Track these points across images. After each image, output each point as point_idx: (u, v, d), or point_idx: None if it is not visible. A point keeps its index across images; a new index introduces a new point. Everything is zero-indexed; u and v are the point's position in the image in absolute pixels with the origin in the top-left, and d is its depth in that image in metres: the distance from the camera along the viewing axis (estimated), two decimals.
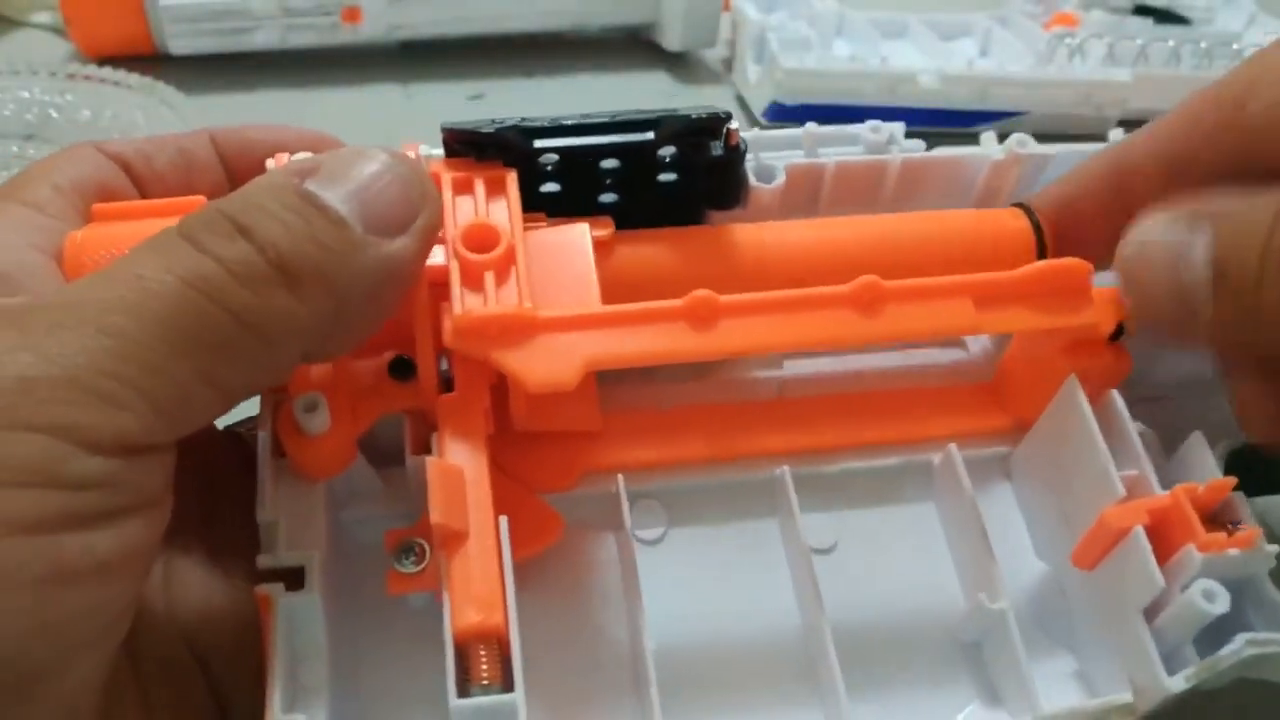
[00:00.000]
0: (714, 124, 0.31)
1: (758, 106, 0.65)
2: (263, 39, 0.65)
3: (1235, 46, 0.64)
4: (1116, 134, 0.38)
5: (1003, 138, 0.36)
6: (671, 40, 0.69)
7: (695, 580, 0.31)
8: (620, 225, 0.32)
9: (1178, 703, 0.29)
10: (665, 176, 0.33)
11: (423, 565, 0.27)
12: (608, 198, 0.33)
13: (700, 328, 0.28)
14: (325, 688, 0.26)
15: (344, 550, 0.30)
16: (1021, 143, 0.34)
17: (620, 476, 0.30)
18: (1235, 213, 0.27)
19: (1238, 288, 0.26)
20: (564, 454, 0.31)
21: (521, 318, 0.27)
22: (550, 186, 0.32)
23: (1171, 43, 0.64)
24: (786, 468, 0.31)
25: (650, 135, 0.31)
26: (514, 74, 0.69)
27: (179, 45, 0.64)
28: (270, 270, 0.24)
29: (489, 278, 0.28)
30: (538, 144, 0.30)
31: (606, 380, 0.33)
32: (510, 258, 0.28)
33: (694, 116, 0.31)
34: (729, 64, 0.70)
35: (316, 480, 0.29)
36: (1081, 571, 0.30)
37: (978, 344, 0.35)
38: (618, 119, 0.31)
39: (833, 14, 0.68)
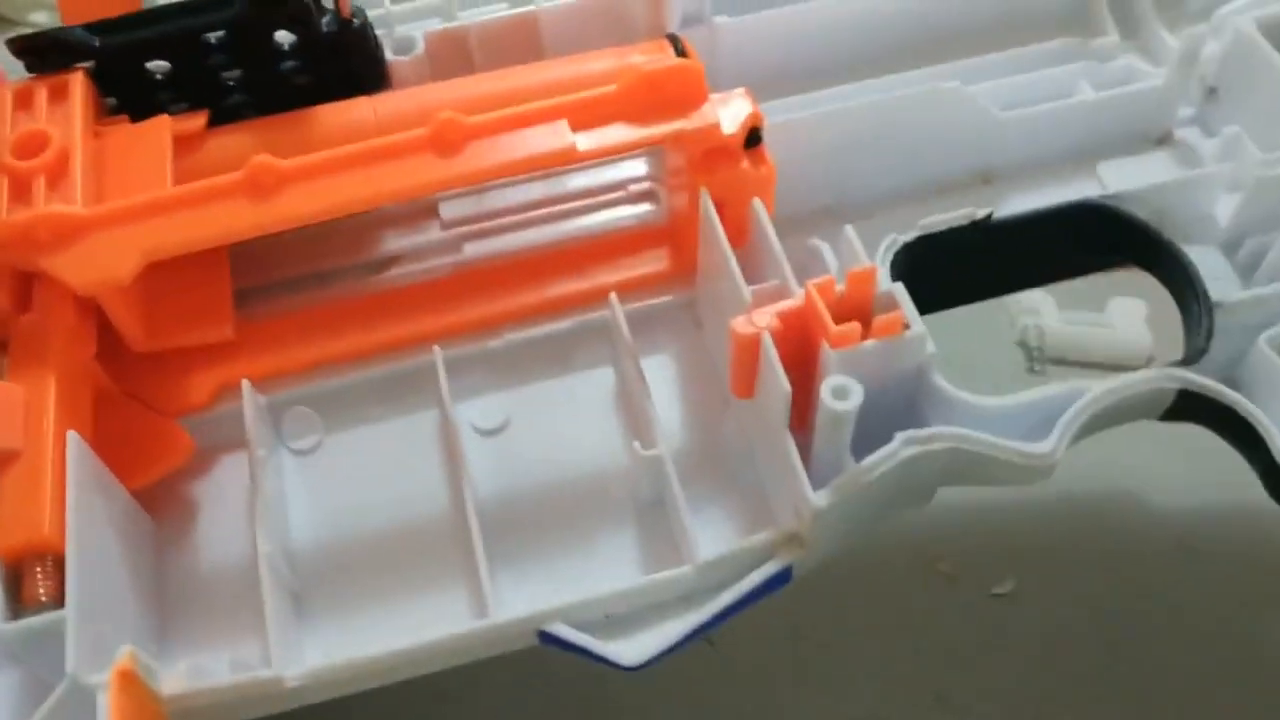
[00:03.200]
0: None
1: None
2: None
3: None
4: None
5: None
6: None
7: (352, 487, 0.28)
8: None
9: (873, 528, 0.26)
10: (288, 65, 0.30)
11: None
12: (236, 99, 0.30)
13: (261, 198, 0.26)
14: None
15: None
16: None
17: (245, 382, 0.28)
18: None
19: None
20: (193, 369, 0.29)
21: (67, 217, 0.25)
22: (168, 97, 0.30)
23: None
24: (437, 348, 0.29)
25: (231, 11, 0.29)
26: None
27: None
28: None
29: (39, 184, 0.26)
30: (105, 41, 0.28)
31: (274, 291, 0.31)
32: (64, 160, 0.26)
33: None
34: None
35: None
36: (748, 403, 0.27)
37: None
38: (193, 3, 0.29)
39: None
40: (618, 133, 0.27)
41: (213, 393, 0.29)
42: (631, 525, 0.27)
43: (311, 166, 0.26)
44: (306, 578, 0.27)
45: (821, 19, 0.33)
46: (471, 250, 0.32)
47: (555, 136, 0.26)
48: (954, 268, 0.29)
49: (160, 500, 0.28)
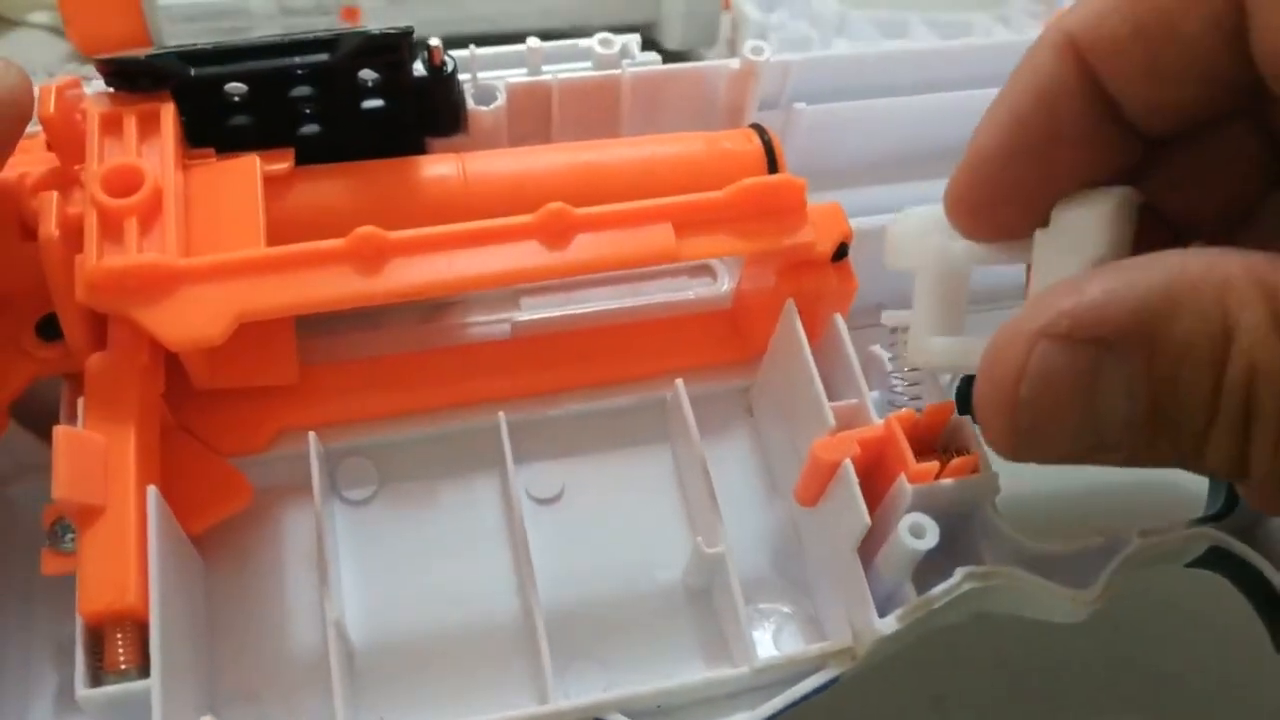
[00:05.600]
0: (395, 40, 0.28)
1: None
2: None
3: None
4: None
5: None
6: (672, 39, 0.65)
7: (405, 542, 0.29)
8: (331, 160, 0.29)
9: (917, 639, 0.28)
10: (370, 103, 0.30)
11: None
12: (309, 129, 0.30)
13: (366, 269, 0.26)
14: None
15: (16, 529, 0.28)
16: (757, 51, 0.32)
17: (311, 434, 0.28)
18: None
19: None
20: (256, 412, 0.29)
21: (162, 268, 0.25)
22: (242, 121, 0.29)
23: None
24: (502, 414, 0.29)
25: (325, 56, 0.28)
26: None
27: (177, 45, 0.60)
28: None
29: (131, 224, 0.25)
30: (198, 71, 0.28)
31: (323, 328, 0.31)
32: (157, 200, 0.26)
33: (373, 33, 0.28)
34: None
35: None
36: (807, 509, 0.28)
37: (729, 272, 0.33)
38: (292, 39, 0.28)
39: (833, 13, 0.64)
40: (719, 242, 0.27)
41: (272, 437, 0.28)
42: (679, 610, 0.28)
43: (417, 241, 0.26)
44: (355, 639, 0.27)
45: (898, 114, 0.33)
46: (528, 305, 0.32)
47: (660, 238, 0.26)
48: None
49: (209, 543, 0.28)
